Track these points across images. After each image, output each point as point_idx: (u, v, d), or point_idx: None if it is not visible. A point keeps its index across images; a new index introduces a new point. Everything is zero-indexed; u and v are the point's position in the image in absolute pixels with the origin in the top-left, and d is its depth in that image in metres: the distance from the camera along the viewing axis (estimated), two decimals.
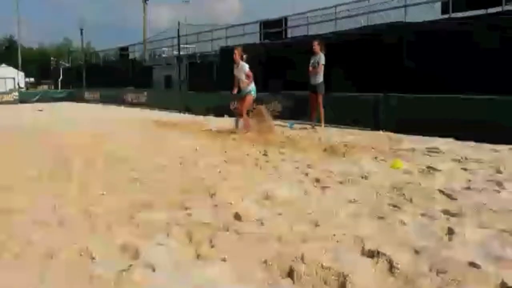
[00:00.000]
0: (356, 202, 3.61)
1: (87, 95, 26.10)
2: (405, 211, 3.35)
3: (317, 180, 4.39)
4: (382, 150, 6.20)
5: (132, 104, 20.87)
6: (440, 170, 4.77)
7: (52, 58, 42.81)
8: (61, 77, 36.18)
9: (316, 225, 3.03)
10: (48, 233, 2.93)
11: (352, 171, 4.78)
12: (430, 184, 4.17)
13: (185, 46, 27.37)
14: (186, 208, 3.45)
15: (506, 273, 2.20)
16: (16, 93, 26.54)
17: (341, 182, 4.33)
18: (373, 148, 6.37)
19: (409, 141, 7.03)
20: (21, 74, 36.94)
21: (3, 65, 37.49)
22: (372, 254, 2.49)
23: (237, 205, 3.51)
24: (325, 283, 2.23)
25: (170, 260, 2.48)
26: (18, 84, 33.73)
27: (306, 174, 4.71)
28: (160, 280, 2.25)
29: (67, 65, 37.63)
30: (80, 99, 25.96)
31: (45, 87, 42.43)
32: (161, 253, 2.57)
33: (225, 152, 6.27)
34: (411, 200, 3.62)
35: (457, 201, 3.57)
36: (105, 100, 23.70)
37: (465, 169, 4.86)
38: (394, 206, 3.47)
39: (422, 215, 3.23)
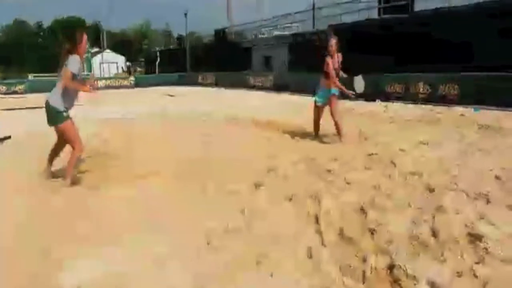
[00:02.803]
0: None
1: (200, 79, 26.14)
2: None
3: None
4: None
5: (257, 88, 20.50)
6: None
7: (143, 42, 44.07)
8: (158, 60, 36.91)
9: None
10: None
11: None
12: None
13: (289, 25, 26.68)
14: None
15: None
16: (133, 78, 27.22)
17: None
18: None
19: None
20: (122, 58, 38.09)
21: (108, 50, 38.82)
22: None
23: None
24: None
25: None
26: (122, 68, 34.76)
27: None
28: None
29: (171, 47, 37.77)
30: (193, 83, 26.05)
31: (139, 69, 43.60)
32: None
33: None
34: None
35: None
36: (222, 84, 23.56)
37: None
38: None
39: None
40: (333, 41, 6.47)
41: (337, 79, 6.46)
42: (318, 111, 6.78)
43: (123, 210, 3.61)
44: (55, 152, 4.69)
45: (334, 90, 6.50)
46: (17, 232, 3.17)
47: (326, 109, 6.66)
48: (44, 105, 4.41)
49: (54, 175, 4.63)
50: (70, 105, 4.44)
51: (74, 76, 4.26)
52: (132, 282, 2.50)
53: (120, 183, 4.36)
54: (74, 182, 4.45)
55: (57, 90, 4.33)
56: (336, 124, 6.47)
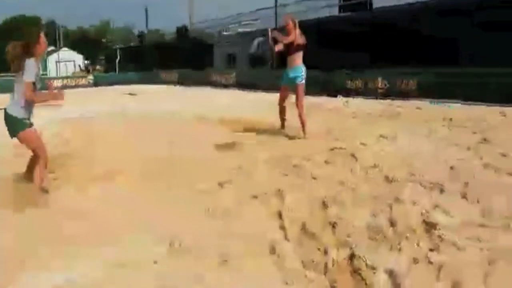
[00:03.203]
0: None
1: (162, 76, 25.74)
2: None
3: None
4: None
5: (220, 86, 20.42)
6: None
7: (103, 39, 42.90)
8: (118, 58, 36.03)
9: None
10: None
11: None
12: None
13: (250, 22, 26.73)
14: None
15: None
16: (91, 77, 26.45)
17: None
18: None
19: None
20: (79, 56, 36.95)
21: (65, 48, 37.55)
22: None
23: None
24: None
25: None
26: (80, 66, 33.73)
27: None
28: None
29: (132, 45, 36.86)
30: (155, 81, 25.63)
31: (98, 68, 42.47)
32: None
33: None
34: None
35: None
36: (184, 81, 23.32)
37: None
38: None
39: None
40: (287, 19, 6.24)
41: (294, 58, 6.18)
42: (283, 94, 6.54)
43: (83, 211, 3.53)
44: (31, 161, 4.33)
45: (299, 74, 6.23)
46: None
47: (292, 104, 6.53)
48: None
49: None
50: (31, 112, 4.15)
51: (34, 85, 3.98)
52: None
53: (83, 183, 4.26)
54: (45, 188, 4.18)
55: (17, 100, 4.03)
56: (300, 117, 6.31)
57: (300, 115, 6.34)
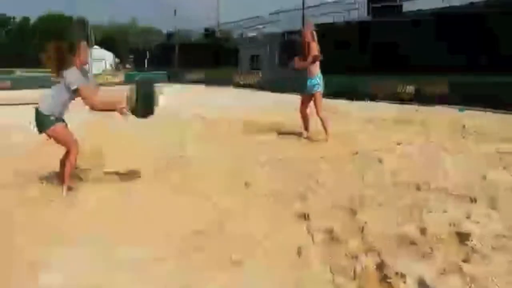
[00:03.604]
0: None
1: (189, 76, 26.03)
2: None
3: None
4: None
5: (245, 86, 20.51)
6: None
7: (132, 38, 43.68)
8: (147, 57, 36.64)
9: None
10: None
11: None
12: None
13: (278, 23, 26.71)
14: None
15: None
16: (122, 75, 26.95)
17: None
18: None
19: None
20: (110, 55, 37.69)
21: (96, 47, 38.42)
22: None
23: None
24: None
25: None
26: (111, 65, 34.41)
27: None
28: None
29: (160, 44, 37.25)
30: (182, 80, 25.93)
31: (128, 66, 43.22)
32: None
33: None
34: None
35: None
36: (209, 81, 23.51)
37: None
38: None
39: None
40: (306, 34, 6.63)
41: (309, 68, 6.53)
42: (303, 102, 6.85)
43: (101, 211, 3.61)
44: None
45: (316, 82, 6.57)
46: None
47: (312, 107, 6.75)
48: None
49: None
50: (62, 112, 4.24)
51: (75, 92, 4.07)
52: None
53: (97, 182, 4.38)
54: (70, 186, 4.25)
55: (51, 98, 4.16)
56: (322, 123, 6.58)
57: (321, 121, 6.63)
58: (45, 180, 4.44)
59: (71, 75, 4.06)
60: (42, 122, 4.16)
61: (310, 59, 6.49)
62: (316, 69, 6.61)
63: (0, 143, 6.38)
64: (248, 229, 3.18)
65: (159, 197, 4.02)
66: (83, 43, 4.27)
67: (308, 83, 6.63)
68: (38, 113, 4.18)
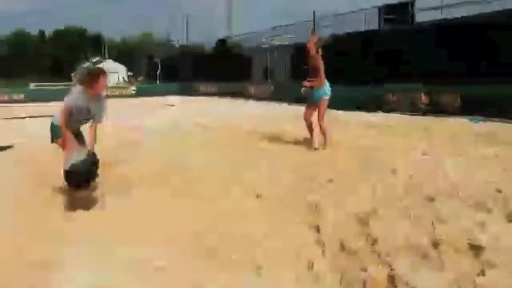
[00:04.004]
0: None
1: (201, 88, 26.21)
2: None
3: None
4: None
5: (257, 98, 20.55)
6: None
7: (145, 51, 44.17)
8: (159, 70, 37.02)
9: None
10: None
11: None
12: None
13: (290, 35, 26.82)
14: None
15: None
16: (134, 87, 27.32)
17: None
18: None
19: None
20: (122, 68, 38.21)
21: (109, 60, 39.04)
22: None
23: None
24: None
25: None
26: (124, 78, 34.87)
27: None
28: None
29: (172, 56, 37.58)
30: (194, 93, 26.14)
31: (141, 79, 43.70)
32: None
33: None
34: None
35: None
36: (222, 94, 23.64)
37: None
38: None
39: None
40: (310, 40, 6.71)
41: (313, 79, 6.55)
42: (308, 111, 6.84)
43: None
44: None
45: (324, 92, 6.58)
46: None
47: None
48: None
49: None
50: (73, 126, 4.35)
51: (71, 113, 4.17)
52: None
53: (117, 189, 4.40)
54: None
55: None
56: (321, 129, 6.59)
57: (321, 128, 6.63)
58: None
59: (73, 93, 4.28)
60: (53, 131, 4.35)
61: (321, 77, 6.51)
62: (323, 79, 6.60)
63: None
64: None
65: (160, 199, 4.07)
66: (101, 76, 4.33)
67: (316, 93, 6.62)
68: (51, 123, 4.40)
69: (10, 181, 4.74)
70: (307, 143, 6.90)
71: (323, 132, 6.61)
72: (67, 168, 4.04)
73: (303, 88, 6.68)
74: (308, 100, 6.84)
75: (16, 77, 43.89)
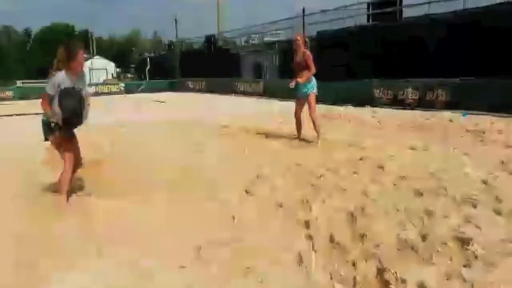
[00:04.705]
0: None
1: (190, 84, 26.12)
2: None
3: None
4: None
5: (247, 94, 20.54)
6: None
7: (133, 48, 43.89)
8: (148, 66, 36.76)
9: None
10: None
11: None
12: None
13: (276, 32, 26.79)
14: None
15: None
16: (123, 84, 27.10)
17: None
18: None
19: None
20: (111, 65, 37.89)
21: (97, 56, 38.66)
22: None
23: None
24: None
25: None
26: (112, 74, 34.58)
27: None
28: None
29: (161, 53, 37.32)
30: (183, 88, 26.04)
31: (129, 76, 43.41)
32: None
33: None
34: None
35: None
36: (211, 90, 23.58)
37: None
38: None
39: None
40: (296, 37, 6.85)
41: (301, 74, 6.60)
42: (298, 106, 6.96)
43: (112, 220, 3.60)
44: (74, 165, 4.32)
45: (310, 86, 6.68)
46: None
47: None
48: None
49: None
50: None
51: (50, 97, 3.93)
52: None
53: (111, 189, 4.35)
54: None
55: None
56: (314, 125, 6.70)
57: (313, 123, 6.76)
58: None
59: (55, 78, 3.95)
60: (43, 129, 4.12)
61: (311, 72, 6.61)
62: (311, 73, 6.69)
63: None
64: (253, 236, 3.14)
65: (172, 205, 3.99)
66: (81, 50, 4.14)
67: (302, 87, 6.73)
68: (42, 120, 4.12)
69: None
70: (297, 139, 6.99)
71: (316, 129, 6.72)
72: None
73: (292, 84, 6.72)
74: (297, 95, 6.92)
75: (2, 75, 43.22)
